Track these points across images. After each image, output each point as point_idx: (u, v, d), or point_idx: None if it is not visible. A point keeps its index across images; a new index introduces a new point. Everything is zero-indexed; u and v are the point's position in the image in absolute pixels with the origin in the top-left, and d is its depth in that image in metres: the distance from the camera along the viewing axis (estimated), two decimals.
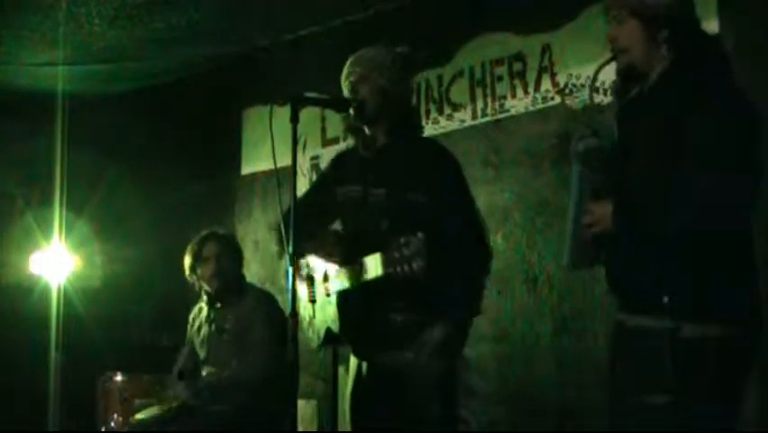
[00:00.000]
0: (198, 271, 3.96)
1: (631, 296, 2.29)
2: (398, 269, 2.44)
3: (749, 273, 2.24)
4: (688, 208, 2.13)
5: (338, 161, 3.12)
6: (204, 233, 4.06)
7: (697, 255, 2.15)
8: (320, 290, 2.97)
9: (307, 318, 2.99)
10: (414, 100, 4.76)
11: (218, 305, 3.97)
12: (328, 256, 2.90)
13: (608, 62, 2.37)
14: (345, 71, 2.94)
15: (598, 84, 2.38)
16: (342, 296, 2.82)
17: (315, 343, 2.95)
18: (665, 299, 2.14)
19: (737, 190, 2.14)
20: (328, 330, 2.86)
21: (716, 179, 2.11)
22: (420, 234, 2.43)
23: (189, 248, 3.99)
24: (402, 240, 2.44)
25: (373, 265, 2.63)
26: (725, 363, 2.16)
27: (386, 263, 2.51)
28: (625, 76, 2.35)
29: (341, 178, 3.01)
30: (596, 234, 2.28)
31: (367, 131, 2.93)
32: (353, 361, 2.96)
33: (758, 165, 2.17)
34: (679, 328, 2.13)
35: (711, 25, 3.69)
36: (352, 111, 2.88)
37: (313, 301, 2.96)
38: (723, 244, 2.17)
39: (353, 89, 2.88)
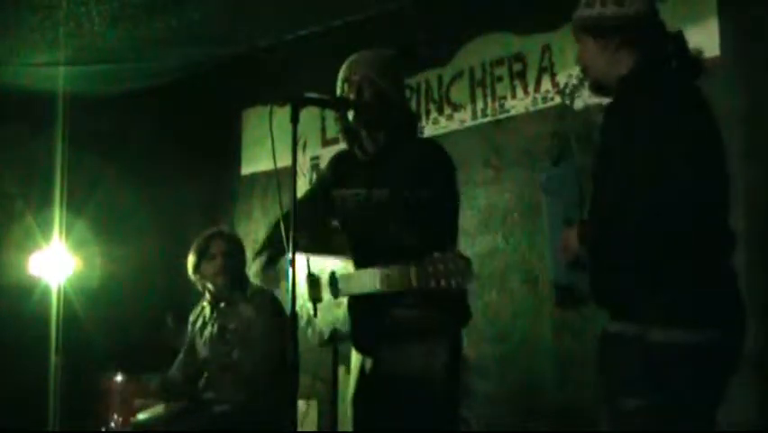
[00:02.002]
0: (203, 269, 3.94)
1: (611, 304, 2.33)
2: (433, 283, 2.38)
3: (721, 277, 2.24)
4: (651, 215, 2.15)
5: (335, 163, 3.12)
6: (209, 231, 4.05)
7: (665, 260, 2.17)
8: (326, 291, 2.95)
9: (305, 317, 2.99)
10: (413, 102, 4.79)
11: (221, 304, 3.96)
12: (328, 250, 2.91)
13: (581, 80, 2.47)
14: (344, 73, 2.93)
15: (567, 91, 2.51)
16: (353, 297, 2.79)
17: (314, 340, 2.94)
18: (636, 305, 2.19)
19: (699, 194, 2.14)
20: (335, 331, 2.86)
21: (675, 186, 2.13)
22: (461, 254, 2.38)
23: (194, 246, 3.98)
24: (436, 255, 2.39)
25: (401, 277, 2.51)
26: (695, 367, 2.16)
27: (420, 277, 2.42)
28: (595, 90, 2.46)
29: (339, 180, 3.01)
30: (570, 260, 2.34)
31: (364, 133, 2.93)
32: (355, 358, 2.95)
33: (718, 168, 2.19)
34: (646, 333, 2.16)
35: (711, 25, 3.69)
36: (352, 113, 2.88)
37: (315, 300, 2.95)
38: (690, 248, 2.18)
39: (359, 91, 2.87)
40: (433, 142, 3.04)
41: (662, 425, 2.15)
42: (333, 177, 3.07)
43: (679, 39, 2.34)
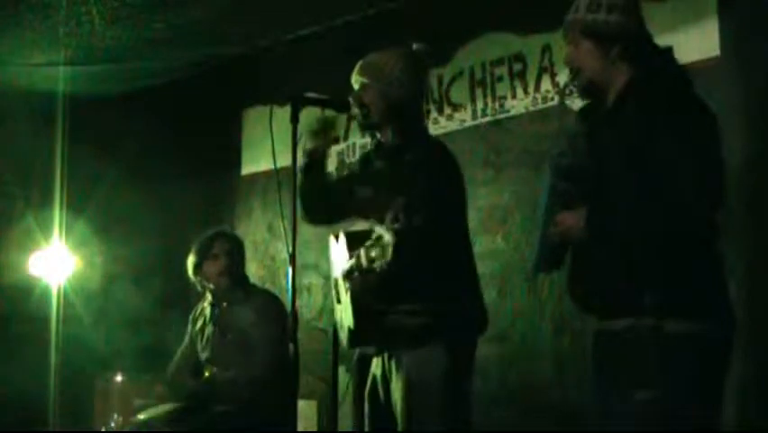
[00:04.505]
0: (205, 269, 3.94)
1: (612, 303, 2.34)
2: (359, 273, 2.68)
3: (721, 273, 2.32)
4: (659, 212, 2.21)
5: (360, 161, 3.16)
6: (211, 231, 4.05)
7: (671, 257, 2.22)
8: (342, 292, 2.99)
9: (337, 321, 3.04)
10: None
11: (224, 305, 3.96)
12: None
13: (572, 81, 2.51)
14: (353, 76, 2.95)
15: (567, 91, 2.55)
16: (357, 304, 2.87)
17: (344, 343, 2.98)
18: (647, 299, 2.22)
19: (705, 193, 2.21)
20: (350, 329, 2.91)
21: (685, 185, 2.19)
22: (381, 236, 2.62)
23: (195, 247, 3.98)
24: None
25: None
26: (707, 358, 2.23)
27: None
28: (585, 93, 2.49)
29: (361, 178, 3.04)
30: (565, 241, 2.37)
31: (378, 133, 2.96)
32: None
33: (720, 167, 2.25)
34: (661, 325, 2.20)
35: (711, 25, 3.69)
36: (355, 114, 2.91)
37: (339, 302, 2.99)
38: (696, 245, 2.25)
39: (357, 96, 2.89)
40: (432, 148, 2.95)
41: (676, 414, 2.19)
42: (358, 174, 3.11)
43: (669, 53, 2.43)
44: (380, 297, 2.78)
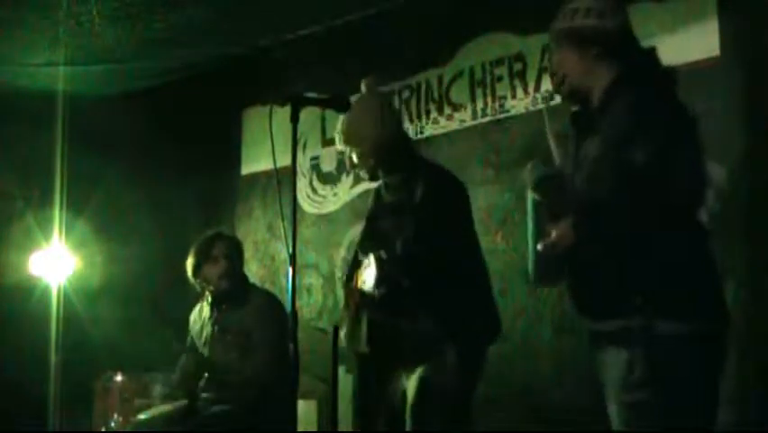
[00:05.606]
0: (205, 271, 3.93)
1: (603, 305, 2.35)
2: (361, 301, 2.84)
3: (712, 272, 2.31)
4: (645, 211, 2.22)
5: (373, 199, 3.24)
6: (209, 233, 4.05)
7: (659, 257, 2.23)
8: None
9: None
10: (413, 102, 4.81)
11: (223, 306, 3.96)
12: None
13: (557, 88, 2.54)
14: (340, 144, 3.07)
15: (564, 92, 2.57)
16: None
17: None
18: (637, 300, 2.22)
19: (688, 193, 2.24)
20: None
21: (667, 185, 2.19)
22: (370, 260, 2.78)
23: (194, 249, 3.97)
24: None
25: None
26: (698, 357, 2.23)
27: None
28: (570, 99, 2.53)
29: (375, 212, 3.15)
30: (559, 252, 2.35)
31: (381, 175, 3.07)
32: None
33: (701, 168, 2.26)
34: (652, 325, 2.20)
35: (711, 25, 3.69)
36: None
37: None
38: (684, 243, 2.25)
39: (350, 159, 3.04)
40: (431, 177, 3.00)
41: (671, 414, 2.19)
42: (372, 208, 3.20)
43: (653, 53, 2.43)
44: (386, 311, 2.84)
